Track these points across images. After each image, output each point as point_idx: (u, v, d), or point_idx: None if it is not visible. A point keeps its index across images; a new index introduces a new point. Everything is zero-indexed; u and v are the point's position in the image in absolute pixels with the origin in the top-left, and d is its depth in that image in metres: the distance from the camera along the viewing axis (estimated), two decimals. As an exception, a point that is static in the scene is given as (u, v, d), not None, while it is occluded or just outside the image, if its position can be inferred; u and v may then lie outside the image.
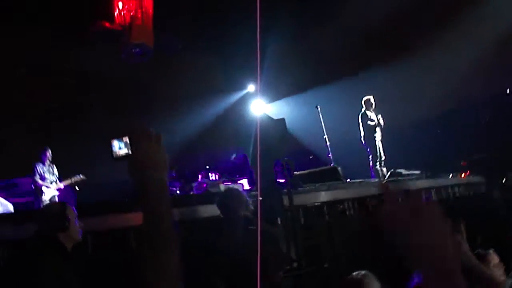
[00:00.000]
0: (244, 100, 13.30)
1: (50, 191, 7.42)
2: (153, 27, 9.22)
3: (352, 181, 9.05)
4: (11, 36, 8.70)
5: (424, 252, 0.81)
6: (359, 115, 9.13)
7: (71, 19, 8.72)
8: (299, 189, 6.68)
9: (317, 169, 9.27)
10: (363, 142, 9.09)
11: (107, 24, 8.97)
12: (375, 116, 9.03)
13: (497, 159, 9.05)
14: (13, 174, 8.13)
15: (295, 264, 4.97)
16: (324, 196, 6.19)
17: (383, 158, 8.98)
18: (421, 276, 0.81)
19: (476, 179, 9.02)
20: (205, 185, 8.76)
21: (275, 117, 6.03)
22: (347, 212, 6.28)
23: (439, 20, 10.27)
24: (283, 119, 5.70)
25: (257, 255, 2.02)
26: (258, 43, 1.71)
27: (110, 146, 1.25)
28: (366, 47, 10.93)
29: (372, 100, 9.10)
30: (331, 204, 6.13)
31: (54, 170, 7.61)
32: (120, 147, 1.25)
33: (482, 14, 9.91)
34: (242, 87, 13.28)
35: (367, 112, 9.07)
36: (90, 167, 7.80)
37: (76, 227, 2.68)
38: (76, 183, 7.74)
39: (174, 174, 8.91)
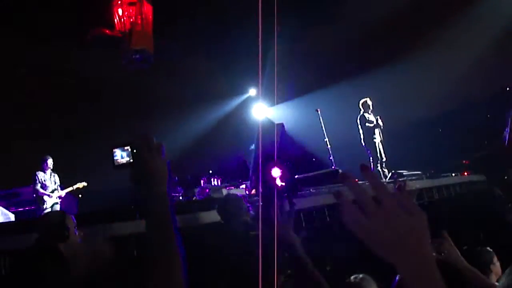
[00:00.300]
0: (245, 104, 13.32)
1: (51, 200, 7.37)
2: (153, 33, 9.25)
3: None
4: (11, 36, 8.68)
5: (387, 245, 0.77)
6: (357, 117, 9.13)
7: (71, 21, 8.75)
8: (300, 193, 6.67)
9: (319, 172, 9.25)
10: (363, 144, 9.06)
11: (107, 31, 9.00)
12: (374, 118, 9.00)
13: (497, 157, 9.04)
14: (14, 183, 8.13)
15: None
16: (325, 199, 6.18)
17: (384, 159, 8.94)
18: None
19: (477, 177, 8.99)
20: (207, 190, 8.76)
21: (276, 121, 6.06)
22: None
23: (439, 20, 10.27)
24: (281, 124, 5.71)
25: (258, 259, 2.02)
26: (260, 47, 1.72)
27: (111, 155, 1.25)
28: (366, 48, 10.93)
29: (369, 102, 9.05)
30: (332, 207, 6.12)
31: (55, 178, 7.55)
32: (122, 156, 1.24)
33: (482, 14, 9.91)
34: (244, 91, 13.30)
35: (365, 114, 9.01)
36: (91, 173, 7.80)
37: (76, 236, 2.68)
38: (78, 190, 7.72)
39: (176, 179, 8.91)
